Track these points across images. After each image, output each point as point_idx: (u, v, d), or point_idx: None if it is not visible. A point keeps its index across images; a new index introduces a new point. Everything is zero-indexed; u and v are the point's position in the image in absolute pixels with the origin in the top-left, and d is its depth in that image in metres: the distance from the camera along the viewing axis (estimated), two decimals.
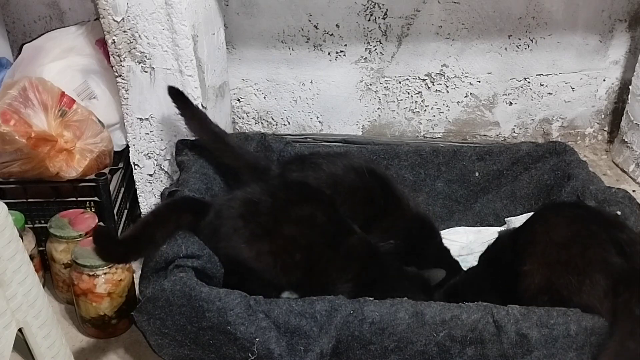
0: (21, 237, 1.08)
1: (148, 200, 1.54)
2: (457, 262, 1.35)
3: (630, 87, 1.83)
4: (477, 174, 1.55)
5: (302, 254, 1.14)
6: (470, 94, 1.86)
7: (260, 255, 1.12)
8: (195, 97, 1.41)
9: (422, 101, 1.86)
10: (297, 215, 1.16)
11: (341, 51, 1.78)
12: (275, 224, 1.14)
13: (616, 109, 1.96)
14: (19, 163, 1.35)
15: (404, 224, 1.33)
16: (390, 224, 1.31)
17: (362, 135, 1.89)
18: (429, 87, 1.84)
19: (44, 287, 1.32)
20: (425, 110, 1.88)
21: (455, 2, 1.72)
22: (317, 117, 1.87)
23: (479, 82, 1.85)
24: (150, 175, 1.51)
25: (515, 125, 1.93)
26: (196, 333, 1.06)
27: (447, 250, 1.38)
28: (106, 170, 1.46)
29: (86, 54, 1.52)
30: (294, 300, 1.07)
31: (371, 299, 1.07)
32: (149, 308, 1.08)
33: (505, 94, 1.87)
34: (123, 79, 1.40)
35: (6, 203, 0.94)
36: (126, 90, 1.41)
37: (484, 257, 1.29)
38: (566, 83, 1.88)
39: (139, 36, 1.34)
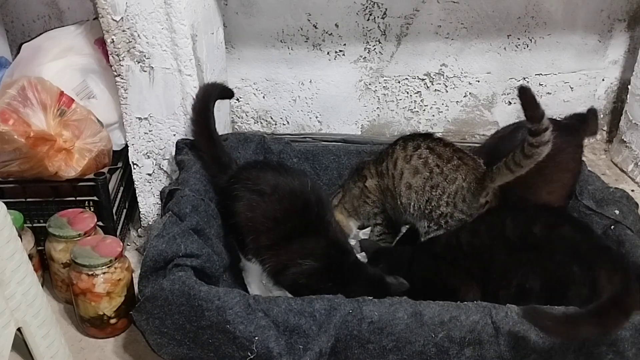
0: (20, 236, 1.08)
1: (147, 199, 1.54)
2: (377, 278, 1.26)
3: (629, 86, 1.83)
4: None
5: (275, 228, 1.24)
6: (470, 93, 1.86)
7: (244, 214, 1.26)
8: (194, 96, 1.41)
9: (421, 101, 1.86)
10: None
11: (340, 51, 1.78)
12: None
13: (615, 109, 1.96)
14: (17, 162, 1.35)
15: (325, 245, 1.25)
16: (313, 242, 1.24)
17: (361, 134, 1.89)
18: (428, 87, 1.84)
19: (42, 286, 1.32)
20: (424, 110, 1.88)
21: (454, 2, 1.72)
22: (317, 117, 1.87)
23: (478, 81, 1.85)
24: (149, 174, 1.51)
25: None
26: (195, 332, 1.06)
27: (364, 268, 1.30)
28: (105, 170, 1.46)
29: (85, 54, 1.52)
30: (293, 299, 1.08)
31: (370, 298, 1.07)
32: (148, 307, 1.09)
33: (505, 94, 1.87)
34: (122, 79, 1.40)
35: (5, 202, 0.95)
36: (125, 90, 1.41)
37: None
38: (565, 83, 1.88)
39: (138, 35, 1.34)
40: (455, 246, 1.25)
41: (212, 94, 1.38)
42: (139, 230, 1.60)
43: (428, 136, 1.38)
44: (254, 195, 1.26)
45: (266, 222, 1.24)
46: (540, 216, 1.20)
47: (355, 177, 1.46)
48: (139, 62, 1.37)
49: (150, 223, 1.56)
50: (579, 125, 1.46)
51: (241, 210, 1.26)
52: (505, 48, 1.81)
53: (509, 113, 1.90)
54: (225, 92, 1.45)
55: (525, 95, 1.18)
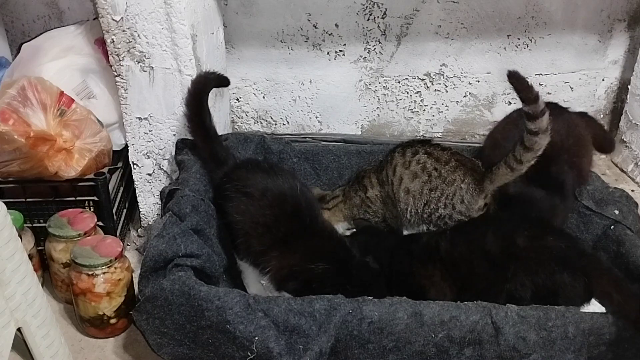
0: (20, 236, 1.08)
1: (147, 199, 1.54)
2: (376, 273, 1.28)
3: (629, 86, 1.83)
4: None
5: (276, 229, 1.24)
6: (470, 93, 1.86)
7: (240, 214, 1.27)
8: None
9: (421, 101, 1.86)
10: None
11: (340, 51, 1.78)
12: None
13: (615, 109, 1.96)
14: (17, 162, 1.35)
15: (330, 246, 1.27)
16: (317, 245, 1.25)
17: (361, 134, 1.89)
18: (428, 87, 1.84)
19: (42, 286, 1.32)
20: (424, 110, 1.88)
21: (454, 2, 1.72)
22: (317, 117, 1.87)
23: (478, 81, 1.85)
24: (149, 174, 1.51)
25: None
26: (195, 332, 1.06)
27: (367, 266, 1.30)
28: (105, 170, 1.46)
29: (85, 54, 1.52)
30: (293, 299, 1.08)
31: (370, 298, 1.07)
32: (148, 307, 1.09)
33: (505, 94, 1.87)
34: (122, 79, 1.40)
35: (5, 202, 0.95)
36: (125, 90, 1.41)
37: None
38: (565, 83, 1.88)
39: (138, 35, 1.34)
40: (433, 249, 1.25)
41: (205, 86, 1.36)
42: (139, 230, 1.60)
43: (426, 142, 1.38)
44: (243, 197, 1.25)
45: (256, 227, 1.24)
46: (521, 228, 1.21)
47: (356, 186, 1.45)
48: (139, 62, 1.37)
49: (150, 223, 1.57)
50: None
51: (231, 212, 1.26)
52: (505, 48, 1.81)
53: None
54: (221, 81, 1.42)
55: (516, 79, 1.18)
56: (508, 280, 1.15)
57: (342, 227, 1.47)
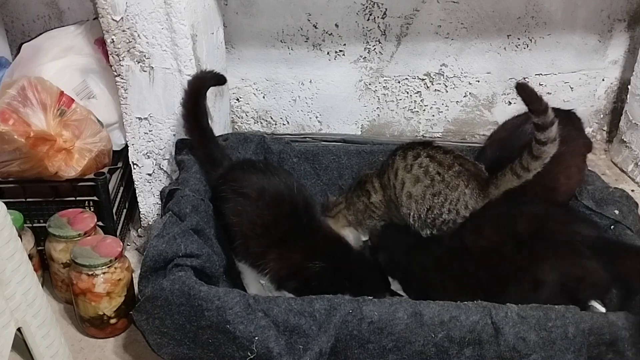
0: (20, 236, 1.08)
1: (147, 199, 1.54)
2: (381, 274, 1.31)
3: (629, 86, 1.83)
4: None
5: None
6: (470, 93, 1.86)
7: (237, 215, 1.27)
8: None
9: (421, 101, 1.86)
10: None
11: (340, 51, 1.78)
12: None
13: (615, 109, 1.96)
14: (17, 162, 1.35)
15: (327, 244, 1.29)
16: (315, 244, 1.26)
17: (361, 134, 1.89)
18: (428, 87, 1.84)
19: (42, 286, 1.32)
20: (424, 110, 1.88)
21: (454, 2, 1.72)
22: (317, 117, 1.87)
23: (478, 81, 1.85)
24: (149, 174, 1.51)
25: None
26: (195, 332, 1.06)
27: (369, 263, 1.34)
28: (105, 170, 1.46)
29: (85, 54, 1.53)
30: (293, 299, 1.08)
31: (370, 298, 1.07)
32: (148, 307, 1.09)
33: (505, 94, 1.87)
34: (122, 79, 1.40)
35: (5, 202, 0.95)
36: (125, 90, 1.41)
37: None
38: (565, 83, 1.88)
39: (138, 35, 1.34)
40: (460, 250, 1.23)
41: (201, 86, 1.35)
42: (139, 230, 1.60)
43: (427, 144, 1.36)
44: (239, 198, 1.25)
45: (254, 228, 1.23)
46: (552, 212, 1.20)
47: (359, 192, 1.43)
48: (139, 62, 1.38)
49: (150, 223, 1.57)
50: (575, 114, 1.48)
51: (227, 214, 1.26)
52: (505, 48, 1.81)
53: (509, 113, 1.88)
54: (218, 79, 1.41)
55: (524, 90, 1.18)
56: (536, 262, 1.13)
57: (349, 233, 1.44)
